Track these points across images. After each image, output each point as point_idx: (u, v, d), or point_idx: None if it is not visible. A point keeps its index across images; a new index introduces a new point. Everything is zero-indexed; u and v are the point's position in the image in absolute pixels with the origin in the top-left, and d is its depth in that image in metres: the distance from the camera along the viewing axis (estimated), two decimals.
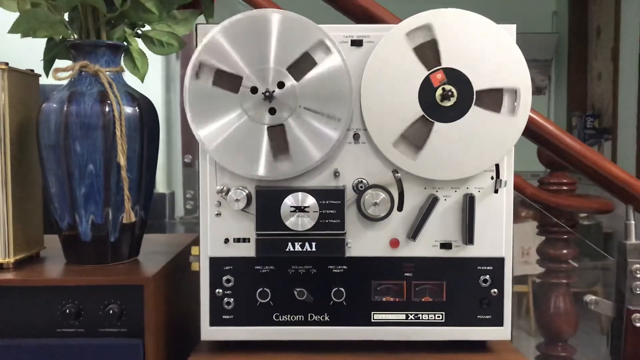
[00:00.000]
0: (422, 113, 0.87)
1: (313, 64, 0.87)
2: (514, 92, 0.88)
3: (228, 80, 0.87)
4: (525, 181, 1.39)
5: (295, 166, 0.88)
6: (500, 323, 0.93)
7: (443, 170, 0.89)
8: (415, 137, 0.88)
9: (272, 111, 0.87)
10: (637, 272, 1.23)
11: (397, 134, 0.88)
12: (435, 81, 0.87)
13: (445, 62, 0.87)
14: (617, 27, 4.18)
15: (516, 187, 1.35)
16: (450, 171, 0.89)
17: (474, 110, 0.87)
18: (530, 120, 1.25)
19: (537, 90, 5.15)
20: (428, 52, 0.87)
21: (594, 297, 1.32)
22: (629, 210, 1.28)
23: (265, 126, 0.87)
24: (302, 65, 0.87)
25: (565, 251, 1.41)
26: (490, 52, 0.88)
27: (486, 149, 0.89)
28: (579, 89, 4.86)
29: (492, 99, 0.88)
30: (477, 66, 0.87)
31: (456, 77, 0.87)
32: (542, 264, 1.45)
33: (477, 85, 0.87)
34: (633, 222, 1.27)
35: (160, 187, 3.30)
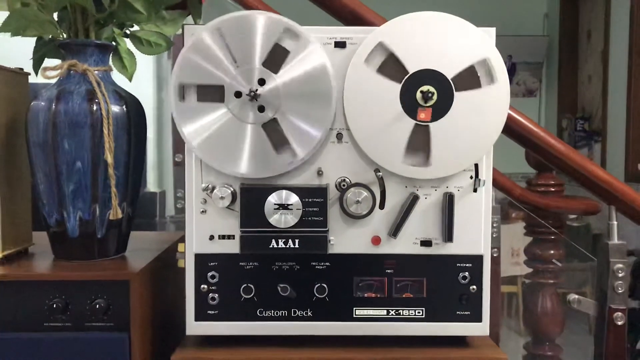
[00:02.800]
0: (403, 113, 0.89)
1: (285, 53, 0.88)
2: (485, 62, 0.89)
3: (211, 92, 0.89)
4: (514, 182, 1.40)
5: (279, 164, 0.90)
6: (479, 319, 0.94)
7: (423, 169, 0.90)
8: (396, 137, 0.90)
9: (261, 109, 0.88)
10: (619, 271, 1.25)
11: (379, 133, 0.90)
12: (420, 118, 0.89)
13: (415, 67, 0.88)
14: (606, 30, 4.21)
15: (504, 189, 1.37)
16: (431, 170, 0.91)
17: (456, 106, 0.89)
18: (515, 122, 1.27)
19: (528, 93, 5.18)
20: (392, 66, 0.89)
21: (577, 296, 1.33)
22: (612, 211, 1.30)
23: (249, 125, 0.89)
24: (275, 57, 0.88)
25: (552, 252, 1.43)
26: (453, 41, 0.89)
27: (468, 145, 0.90)
28: (569, 91, 4.89)
29: (469, 78, 0.89)
30: (446, 58, 0.88)
31: (432, 76, 0.88)
32: (529, 265, 1.47)
33: (450, 74, 0.89)
34: (615, 222, 1.29)
35: (151, 186, 3.31)
